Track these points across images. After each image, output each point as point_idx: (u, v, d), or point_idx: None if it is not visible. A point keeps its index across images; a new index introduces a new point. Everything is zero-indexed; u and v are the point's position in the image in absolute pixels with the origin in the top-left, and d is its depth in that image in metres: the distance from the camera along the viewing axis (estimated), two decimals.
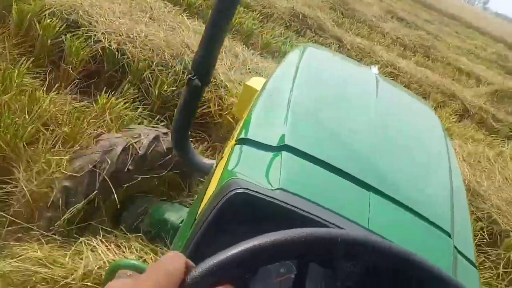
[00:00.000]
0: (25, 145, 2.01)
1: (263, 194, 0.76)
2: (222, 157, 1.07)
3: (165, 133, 1.73)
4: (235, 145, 0.98)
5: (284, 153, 0.93)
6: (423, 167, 1.20)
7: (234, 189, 0.75)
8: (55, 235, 1.63)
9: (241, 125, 1.12)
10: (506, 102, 6.75)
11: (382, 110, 1.37)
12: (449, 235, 0.93)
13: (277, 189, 0.80)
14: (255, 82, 1.81)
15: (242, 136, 1.00)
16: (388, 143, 1.20)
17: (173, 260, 0.44)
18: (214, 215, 0.75)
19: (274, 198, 0.76)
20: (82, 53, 2.71)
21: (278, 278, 0.78)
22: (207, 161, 1.55)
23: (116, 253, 1.60)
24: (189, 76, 1.38)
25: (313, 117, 1.17)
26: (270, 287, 0.77)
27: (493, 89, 7.11)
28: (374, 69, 1.86)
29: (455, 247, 0.93)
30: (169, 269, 0.42)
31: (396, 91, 1.71)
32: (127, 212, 1.79)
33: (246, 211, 0.75)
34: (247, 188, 0.76)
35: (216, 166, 1.13)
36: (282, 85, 1.29)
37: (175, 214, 1.77)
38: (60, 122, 2.21)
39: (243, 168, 0.89)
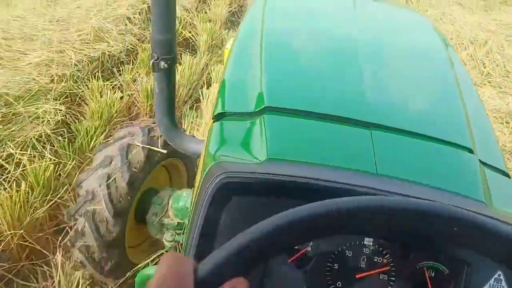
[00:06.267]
0: None
1: (250, 172, 0.67)
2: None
3: (150, 129, 1.63)
4: (213, 123, 0.88)
5: (266, 116, 0.82)
6: (426, 84, 1.07)
7: (217, 176, 0.66)
8: None
9: (216, 99, 1.01)
10: None
11: (368, 30, 1.23)
12: (471, 151, 0.83)
13: (266, 160, 0.71)
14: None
15: (219, 111, 0.90)
16: (381, 66, 1.07)
17: (180, 261, 0.36)
18: (204, 211, 0.66)
19: (264, 173, 0.66)
20: None
21: (294, 257, 0.70)
22: (200, 141, 1.46)
23: None
24: (153, 60, 1.27)
25: (291, 66, 1.04)
26: (287, 271, 0.70)
27: None
28: None
29: (481, 162, 0.83)
30: (180, 272, 0.35)
31: (379, 6, 1.56)
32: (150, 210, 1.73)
33: (238, 195, 0.67)
34: (231, 171, 0.66)
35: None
36: (251, 40, 1.16)
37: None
38: None
39: (225, 147, 0.79)
